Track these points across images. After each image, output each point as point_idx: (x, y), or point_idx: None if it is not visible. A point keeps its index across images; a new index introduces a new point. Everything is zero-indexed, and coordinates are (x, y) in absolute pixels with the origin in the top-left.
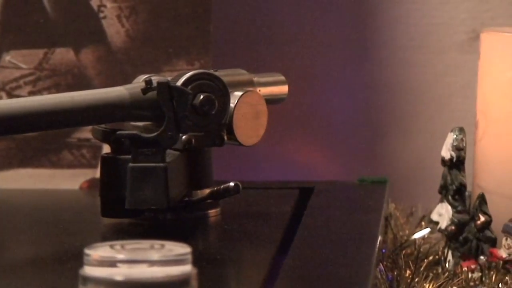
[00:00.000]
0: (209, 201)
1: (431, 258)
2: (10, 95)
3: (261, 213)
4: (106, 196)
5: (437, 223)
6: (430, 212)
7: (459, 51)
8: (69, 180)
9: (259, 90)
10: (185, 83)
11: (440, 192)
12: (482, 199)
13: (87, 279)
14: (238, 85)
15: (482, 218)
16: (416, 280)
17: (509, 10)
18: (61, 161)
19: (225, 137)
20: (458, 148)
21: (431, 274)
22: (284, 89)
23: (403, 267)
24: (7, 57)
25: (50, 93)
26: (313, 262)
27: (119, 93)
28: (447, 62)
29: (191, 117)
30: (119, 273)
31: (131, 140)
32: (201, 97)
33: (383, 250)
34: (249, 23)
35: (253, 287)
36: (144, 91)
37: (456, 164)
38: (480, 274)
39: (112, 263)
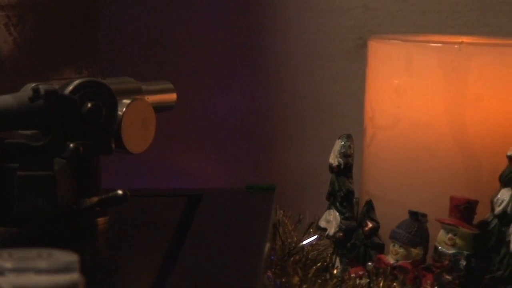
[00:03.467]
0: (97, 209)
1: (319, 264)
2: None
3: (150, 221)
4: None
5: (325, 229)
6: (318, 219)
7: (347, 58)
8: None
9: (147, 98)
10: (73, 91)
11: (328, 199)
12: (369, 205)
13: None
14: (126, 93)
15: (370, 225)
16: (305, 286)
17: (396, 18)
18: None
19: (113, 145)
20: (346, 155)
21: (319, 281)
22: (172, 96)
23: (292, 274)
24: None
25: None
26: (202, 269)
27: (6, 102)
28: (335, 69)
29: (78, 125)
30: (6, 281)
31: (18, 149)
32: (89, 105)
33: (272, 257)
34: (137, 32)
35: None
36: (32, 99)
37: (344, 170)
38: (368, 280)
39: None
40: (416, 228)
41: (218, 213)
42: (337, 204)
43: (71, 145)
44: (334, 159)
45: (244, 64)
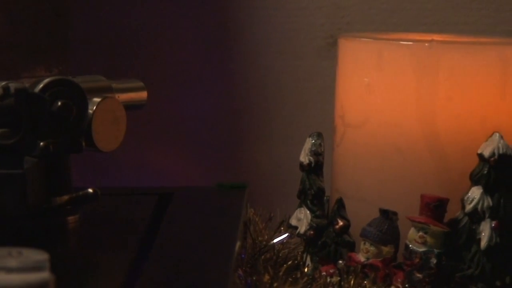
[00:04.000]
0: (68, 207)
1: (290, 262)
2: None
3: (120, 219)
4: None
5: (296, 227)
6: (289, 217)
7: (317, 56)
8: None
9: (118, 96)
10: (43, 89)
11: (298, 197)
12: (340, 203)
13: None
14: (96, 92)
15: (341, 223)
16: (275, 285)
17: (366, 16)
18: None
19: (84, 143)
20: (316, 153)
21: (290, 279)
22: (143, 95)
23: (262, 272)
24: None
25: None
26: (172, 268)
27: None
28: (305, 68)
29: (49, 123)
30: None
31: None
32: (59, 103)
33: (242, 255)
34: (108, 31)
35: None
36: (2, 97)
37: (315, 169)
38: (338, 278)
39: None
40: (386, 226)
41: (189, 211)
42: (308, 202)
43: (41, 143)
44: (304, 157)
45: (215, 63)
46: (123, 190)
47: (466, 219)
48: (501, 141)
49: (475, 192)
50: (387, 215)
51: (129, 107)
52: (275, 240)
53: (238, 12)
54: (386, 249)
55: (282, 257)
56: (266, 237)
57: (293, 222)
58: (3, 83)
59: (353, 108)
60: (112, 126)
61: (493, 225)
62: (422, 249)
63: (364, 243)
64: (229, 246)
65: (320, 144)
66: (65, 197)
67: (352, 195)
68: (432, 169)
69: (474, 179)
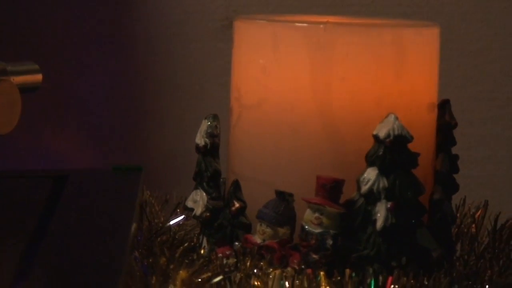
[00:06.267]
0: None
1: (186, 244)
2: None
3: (15, 203)
4: None
5: (192, 209)
6: (185, 199)
7: (213, 39)
8: None
9: (13, 79)
10: None
11: (194, 179)
12: (236, 185)
13: None
14: None
15: (237, 205)
16: (171, 267)
17: None
18: None
19: None
20: (212, 135)
21: (186, 261)
22: (38, 77)
23: (159, 254)
24: None
25: None
26: (67, 251)
27: None
28: (201, 50)
29: None
30: None
31: None
32: None
33: (138, 238)
34: (3, 12)
35: (4, 278)
36: None
37: (210, 151)
38: (235, 260)
39: None
40: (282, 207)
41: (84, 194)
42: (204, 184)
43: None
44: (200, 139)
45: (111, 47)
46: (17, 173)
47: (361, 200)
48: (396, 122)
49: (371, 173)
50: (283, 197)
51: (24, 89)
52: (171, 222)
53: None
54: (282, 231)
55: (179, 239)
56: (162, 219)
57: (189, 204)
58: None
59: (249, 90)
60: (6, 109)
61: (388, 206)
62: (318, 230)
63: (260, 225)
64: (125, 229)
65: (216, 126)
66: None
67: (248, 176)
68: (328, 150)
69: (370, 160)
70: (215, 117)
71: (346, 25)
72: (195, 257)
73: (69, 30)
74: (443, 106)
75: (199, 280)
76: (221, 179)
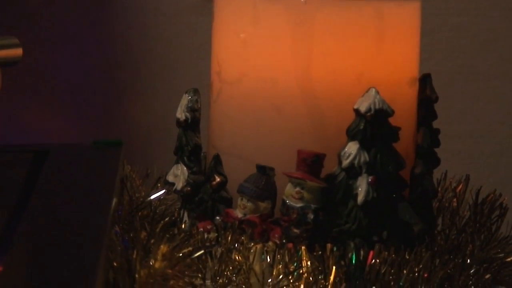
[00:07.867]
0: None
1: (167, 219)
2: None
3: None
4: None
5: (173, 184)
6: (166, 174)
7: (193, 12)
8: None
9: None
10: None
11: (175, 154)
12: (217, 160)
13: None
14: None
15: (218, 179)
16: (152, 241)
17: None
18: None
19: None
20: (193, 109)
21: (167, 235)
22: (18, 52)
23: (139, 228)
24: None
25: None
26: (48, 226)
27: None
28: (181, 24)
29: None
30: None
31: None
32: None
33: (119, 212)
34: None
35: None
36: None
37: (191, 125)
38: (216, 234)
39: None
40: (263, 182)
41: (65, 168)
42: (185, 158)
43: None
44: (181, 114)
45: (90, 20)
46: None
47: (343, 174)
48: (377, 96)
49: (352, 147)
50: (264, 171)
51: (4, 63)
52: (152, 197)
53: None
54: (263, 205)
55: (159, 213)
56: (143, 193)
57: (170, 178)
58: None
59: (229, 64)
60: None
61: (369, 180)
62: (299, 204)
63: (241, 199)
64: (106, 203)
65: (196, 100)
66: None
67: (229, 151)
68: (309, 125)
69: (351, 134)
70: (195, 91)
71: None
72: (176, 231)
73: (50, 5)
74: (424, 80)
75: (180, 254)
76: (202, 154)
